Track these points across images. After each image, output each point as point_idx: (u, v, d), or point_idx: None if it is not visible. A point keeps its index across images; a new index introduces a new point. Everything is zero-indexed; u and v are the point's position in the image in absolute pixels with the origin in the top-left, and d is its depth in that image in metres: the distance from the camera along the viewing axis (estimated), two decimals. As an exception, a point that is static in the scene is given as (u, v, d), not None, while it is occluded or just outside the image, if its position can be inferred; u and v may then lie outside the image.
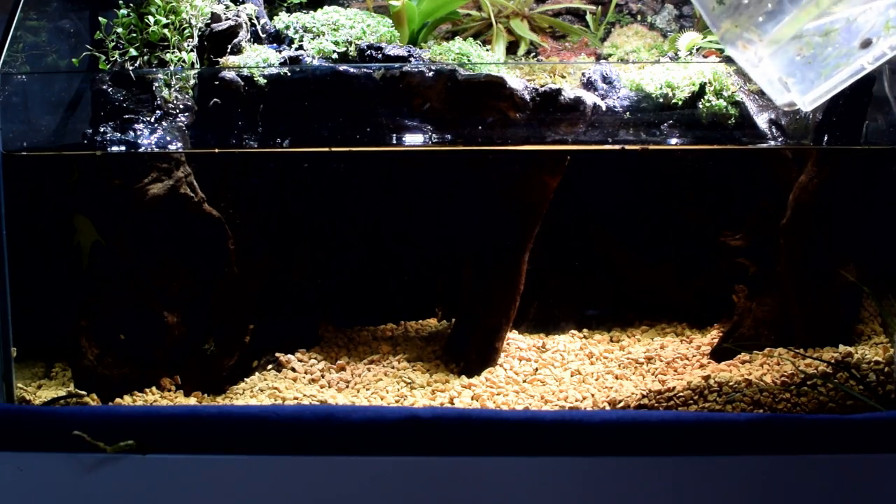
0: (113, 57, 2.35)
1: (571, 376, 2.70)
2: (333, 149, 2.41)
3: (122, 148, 2.34)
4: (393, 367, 2.75)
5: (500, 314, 2.78)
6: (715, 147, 2.41)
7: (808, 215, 2.61)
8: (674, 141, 2.37)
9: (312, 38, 2.46)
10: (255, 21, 2.53)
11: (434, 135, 2.35)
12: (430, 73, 2.33)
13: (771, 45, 1.78)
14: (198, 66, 2.40)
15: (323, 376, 2.70)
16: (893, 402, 2.34)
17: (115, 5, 2.37)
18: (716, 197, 2.92)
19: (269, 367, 2.73)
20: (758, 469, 1.99)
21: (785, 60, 1.82)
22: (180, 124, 2.36)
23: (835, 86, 1.85)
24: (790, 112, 2.34)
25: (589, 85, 2.40)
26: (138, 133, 2.33)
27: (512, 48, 2.67)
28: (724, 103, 2.35)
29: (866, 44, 1.81)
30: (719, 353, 2.75)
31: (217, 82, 2.35)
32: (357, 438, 2.03)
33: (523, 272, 2.77)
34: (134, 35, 2.36)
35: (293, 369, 2.72)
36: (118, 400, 2.48)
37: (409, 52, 2.42)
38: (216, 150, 2.48)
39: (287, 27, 2.52)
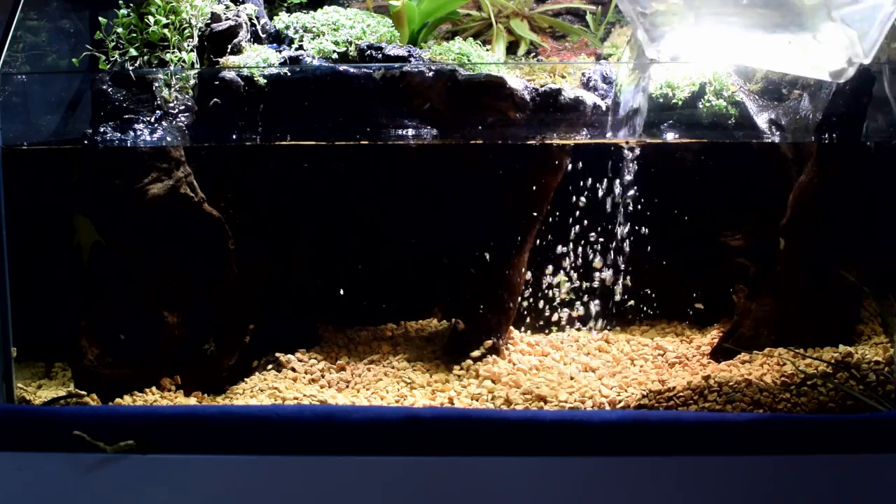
0: (113, 57, 2.35)
1: (571, 377, 2.69)
2: (333, 142, 2.40)
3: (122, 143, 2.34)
4: (393, 367, 2.75)
5: (501, 314, 2.78)
6: (715, 141, 2.41)
7: (808, 215, 2.61)
8: (670, 137, 2.37)
9: (312, 38, 2.46)
10: (255, 21, 2.53)
11: (434, 135, 2.35)
12: (430, 73, 2.33)
13: None
14: (198, 66, 2.40)
15: (323, 376, 2.70)
16: (893, 402, 2.34)
17: (115, 5, 2.37)
18: (716, 197, 2.92)
19: (269, 367, 2.73)
20: (758, 469, 1.99)
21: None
22: (180, 124, 2.36)
23: (882, 28, 1.79)
24: (791, 110, 2.34)
25: (589, 85, 2.40)
26: (138, 133, 2.33)
27: (512, 48, 2.67)
28: (724, 103, 2.35)
29: None
30: (719, 353, 2.75)
31: (217, 82, 2.35)
32: (357, 438, 2.02)
33: (523, 272, 2.76)
34: (134, 35, 2.36)
35: (293, 369, 2.72)
36: (118, 400, 2.48)
37: (409, 52, 2.42)
38: (214, 144, 2.48)
39: (287, 27, 2.52)
